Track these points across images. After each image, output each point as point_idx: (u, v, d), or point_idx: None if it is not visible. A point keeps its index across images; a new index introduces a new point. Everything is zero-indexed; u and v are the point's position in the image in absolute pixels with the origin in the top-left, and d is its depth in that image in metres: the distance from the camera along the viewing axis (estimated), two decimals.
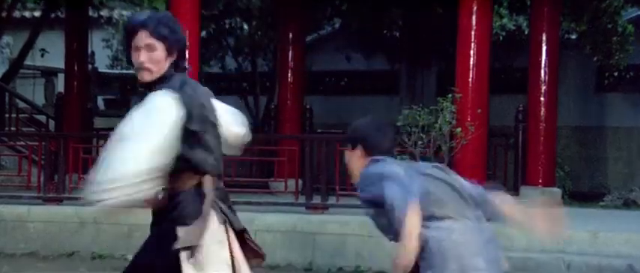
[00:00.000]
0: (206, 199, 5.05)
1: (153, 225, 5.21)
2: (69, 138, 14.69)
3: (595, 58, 16.42)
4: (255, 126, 18.54)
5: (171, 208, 5.04)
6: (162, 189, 4.92)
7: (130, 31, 5.02)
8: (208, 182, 5.09)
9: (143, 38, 4.91)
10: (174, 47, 4.96)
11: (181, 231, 4.95)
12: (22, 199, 13.24)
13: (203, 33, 16.79)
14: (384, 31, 18.26)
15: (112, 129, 16.18)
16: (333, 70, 19.61)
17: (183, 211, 5.04)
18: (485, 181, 12.01)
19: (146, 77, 4.97)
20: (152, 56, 4.91)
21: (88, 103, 18.34)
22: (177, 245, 4.92)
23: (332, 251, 11.31)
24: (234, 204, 13.15)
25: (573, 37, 16.64)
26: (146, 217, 5.01)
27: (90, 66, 19.12)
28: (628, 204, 14.91)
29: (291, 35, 16.46)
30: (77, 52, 17.30)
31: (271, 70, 18.17)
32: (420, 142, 10.58)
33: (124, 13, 20.32)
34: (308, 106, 16.53)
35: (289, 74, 16.35)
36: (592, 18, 15.85)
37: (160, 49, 4.92)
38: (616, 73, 17.07)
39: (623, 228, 11.43)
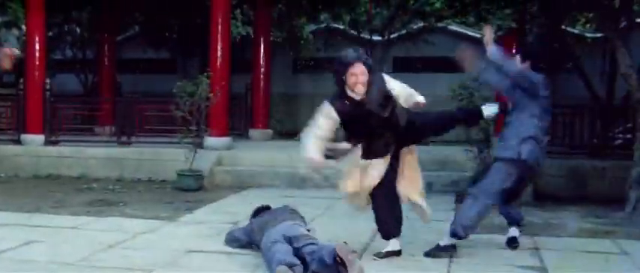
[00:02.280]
0: None
1: None
2: None
3: (291, 53, 17.02)
4: (86, 92, 18.22)
5: None
6: None
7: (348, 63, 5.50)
8: None
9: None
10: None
11: None
12: None
13: (50, 33, 16.24)
14: (167, 33, 18.21)
15: None
16: (135, 57, 19.34)
17: None
18: (227, 127, 12.50)
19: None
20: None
21: None
22: None
23: (133, 169, 11.19)
24: (76, 142, 12.88)
25: (279, 40, 17.14)
26: None
27: None
28: None
29: (106, 35, 16.22)
30: None
31: (95, 57, 17.73)
32: (187, 103, 10.71)
33: None
34: (119, 81, 16.41)
35: (106, 60, 16.13)
36: (288, 29, 16.46)
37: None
38: (304, 62, 17.69)
39: (299, 152, 11.39)
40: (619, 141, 10.44)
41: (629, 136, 9.74)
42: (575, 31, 16.21)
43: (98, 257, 5.68)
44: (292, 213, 5.91)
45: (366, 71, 5.57)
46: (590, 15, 14.87)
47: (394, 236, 5.77)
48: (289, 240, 5.21)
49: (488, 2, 10.17)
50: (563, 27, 14.23)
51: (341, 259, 4.76)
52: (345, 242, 5.02)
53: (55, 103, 12.39)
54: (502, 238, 6.38)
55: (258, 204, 6.38)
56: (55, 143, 12.12)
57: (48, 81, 12.33)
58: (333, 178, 7.93)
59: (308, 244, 5.11)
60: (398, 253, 5.76)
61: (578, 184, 9.71)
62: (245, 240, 5.92)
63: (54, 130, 12.26)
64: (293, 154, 10.97)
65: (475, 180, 7.33)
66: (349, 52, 5.68)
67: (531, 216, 7.92)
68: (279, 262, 4.91)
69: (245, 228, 6.01)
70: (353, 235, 6.30)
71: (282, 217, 5.69)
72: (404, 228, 5.91)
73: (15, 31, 19.10)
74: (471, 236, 6.06)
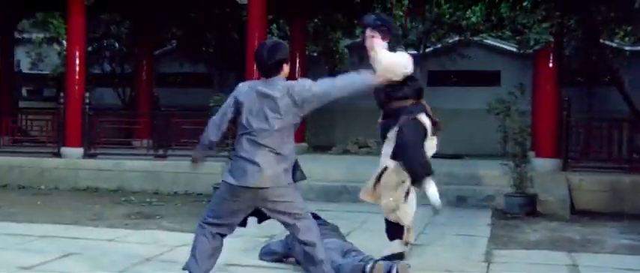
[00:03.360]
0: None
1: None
2: (2, 114, 14.34)
3: (326, 67, 17.04)
4: (124, 106, 18.44)
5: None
6: None
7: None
8: None
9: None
10: None
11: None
12: None
13: (89, 48, 16.51)
14: (203, 48, 18.37)
15: (31, 109, 15.80)
16: (172, 71, 19.54)
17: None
18: None
19: None
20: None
21: (15, 92, 17.75)
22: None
23: (170, 182, 11.28)
24: (114, 155, 13.06)
25: (315, 54, 17.19)
26: None
27: (16, 68, 18.38)
28: (346, 152, 14.88)
29: (144, 50, 16.41)
30: (7, 60, 16.78)
31: (133, 71, 17.95)
32: None
33: (40, 35, 19.65)
34: (156, 94, 16.58)
35: (144, 74, 16.29)
36: (324, 43, 16.50)
37: None
38: None
39: (334, 165, 11.43)
40: None
41: None
42: (614, 44, 15.98)
43: (136, 270, 5.71)
44: (333, 231, 5.90)
45: (373, 34, 5.62)
46: (629, 28, 14.65)
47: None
48: (343, 254, 5.25)
49: (525, 16, 10.08)
50: (601, 40, 14.07)
51: None
52: (408, 265, 5.06)
53: (93, 116, 12.58)
54: (539, 254, 6.29)
55: None
56: (93, 156, 12.29)
57: (87, 95, 12.53)
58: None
59: (362, 259, 5.15)
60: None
61: (616, 199, 9.54)
62: (282, 253, 5.88)
63: (92, 143, 12.44)
64: (328, 168, 11.05)
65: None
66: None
67: (569, 232, 7.82)
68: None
69: (284, 240, 5.96)
70: None
71: (325, 231, 5.62)
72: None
73: (56, 47, 19.50)
74: (507, 252, 5.99)
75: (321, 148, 15.30)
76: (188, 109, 14.56)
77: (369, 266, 4.96)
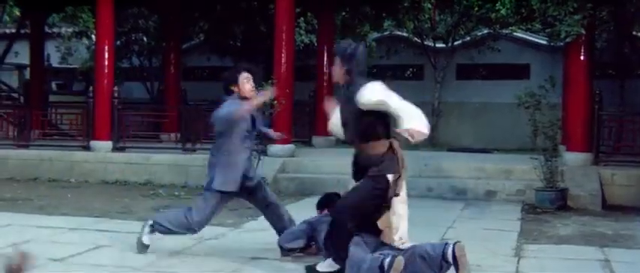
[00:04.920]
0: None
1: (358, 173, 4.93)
2: (32, 108, 14.52)
3: None
4: (152, 100, 18.58)
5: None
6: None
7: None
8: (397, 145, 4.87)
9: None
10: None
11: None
12: (3, 146, 12.94)
13: (118, 42, 16.66)
14: (231, 41, 18.43)
15: (60, 102, 16.01)
16: (200, 65, 19.63)
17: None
18: (291, 133, 12.53)
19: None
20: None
21: (45, 86, 17.98)
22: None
23: (198, 176, 11.37)
24: (142, 149, 13.18)
25: None
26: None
27: (46, 62, 18.60)
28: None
29: (172, 43, 16.48)
30: (38, 54, 17.03)
31: (161, 65, 18.06)
32: None
33: (69, 29, 19.85)
34: (183, 88, 16.68)
35: (172, 68, 16.35)
36: (352, 38, 16.41)
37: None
38: (367, 69, 17.51)
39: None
40: None
41: None
42: None
43: (165, 263, 5.77)
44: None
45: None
46: None
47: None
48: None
49: (556, 8, 9.97)
50: (633, 32, 13.88)
51: (456, 257, 4.66)
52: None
53: (122, 110, 12.69)
54: (570, 249, 6.24)
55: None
56: (122, 150, 12.41)
57: (116, 89, 12.65)
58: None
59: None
60: None
61: None
62: (306, 237, 5.80)
63: (121, 137, 12.56)
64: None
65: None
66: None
67: (600, 227, 7.75)
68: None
69: (310, 221, 5.86)
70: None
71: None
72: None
73: (85, 41, 19.69)
74: (537, 247, 5.91)
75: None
76: (216, 102, 14.60)
77: (388, 260, 4.84)
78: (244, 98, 5.95)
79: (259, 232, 7.09)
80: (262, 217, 6.32)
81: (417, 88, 15.76)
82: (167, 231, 6.02)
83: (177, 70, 16.45)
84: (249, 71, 6.10)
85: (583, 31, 10.10)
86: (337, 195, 5.88)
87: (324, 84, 14.62)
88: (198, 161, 11.47)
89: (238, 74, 6.04)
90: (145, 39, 19.46)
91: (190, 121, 12.49)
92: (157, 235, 6.05)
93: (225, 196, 5.96)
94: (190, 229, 5.96)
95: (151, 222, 6.07)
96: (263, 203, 6.16)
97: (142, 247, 6.04)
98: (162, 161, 11.77)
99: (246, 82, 6.00)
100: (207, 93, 17.91)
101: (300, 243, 5.85)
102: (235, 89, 6.04)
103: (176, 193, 10.38)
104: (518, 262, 5.85)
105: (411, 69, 18.07)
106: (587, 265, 5.84)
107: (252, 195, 6.12)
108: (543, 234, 7.28)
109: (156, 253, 6.03)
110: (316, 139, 14.33)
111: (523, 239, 6.88)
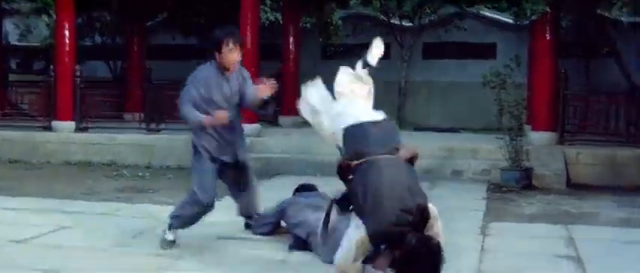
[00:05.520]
0: None
1: None
2: None
3: (321, 39, 16.96)
4: (115, 79, 18.35)
5: None
6: None
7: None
8: None
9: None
10: None
11: None
12: None
13: (79, 20, 16.38)
14: (195, 19, 18.22)
15: (20, 81, 15.65)
16: (164, 44, 19.40)
17: None
18: (256, 113, 12.39)
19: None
20: None
21: (3, 65, 17.63)
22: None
23: (163, 157, 11.25)
24: (106, 129, 12.99)
25: (308, 25, 17.05)
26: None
27: (4, 40, 18.21)
28: None
29: (135, 21, 16.31)
30: None
31: (124, 44, 17.81)
32: None
33: (28, 5, 19.44)
34: (149, 67, 16.48)
35: (135, 46, 16.22)
36: (318, 16, 16.42)
37: None
38: (333, 48, 17.56)
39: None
40: None
41: None
42: (611, 16, 15.95)
43: (129, 243, 5.77)
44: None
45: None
46: None
47: None
48: None
49: None
50: (598, 12, 14.04)
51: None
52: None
53: (85, 90, 12.53)
54: (535, 227, 6.32)
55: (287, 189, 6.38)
56: (85, 130, 12.27)
57: (78, 68, 12.47)
58: None
59: None
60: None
61: (613, 172, 9.59)
62: (273, 223, 5.89)
63: (84, 117, 12.41)
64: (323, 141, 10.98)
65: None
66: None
67: (565, 205, 7.88)
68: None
69: (280, 205, 5.90)
70: None
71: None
72: None
73: (45, 18, 19.33)
74: (503, 225, 5.97)
75: None
76: (181, 81, 14.46)
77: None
78: (224, 69, 5.35)
79: (224, 210, 7.06)
80: (227, 197, 6.25)
81: (384, 67, 15.67)
82: (185, 219, 5.60)
83: (140, 49, 16.28)
84: (234, 36, 5.35)
85: (548, 10, 10.19)
86: (313, 186, 5.96)
87: (290, 63, 14.58)
88: (163, 141, 11.48)
89: (222, 42, 5.28)
90: (107, 16, 19.17)
91: (155, 100, 12.36)
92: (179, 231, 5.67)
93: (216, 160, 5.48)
94: (198, 202, 5.42)
95: (169, 222, 5.63)
96: (243, 185, 5.82)
97: (166, 244, 5.55)
98: (126, 141, 11.67)
99: (229, 52, 5.30)
100: (172, 72, 17.78)
101: (270, 227, 5.92)
102: (216, 57, 5.31)
103: (140, 173, 10.32)
104: (483, 240, 5.93)
105: None
106: (551, 243, 5.92)
107: (238, 173, 5.74)
108: (509, 213, 7.38)
109: (120, 234, 6.00)
110: (283, 119, 14.29)
111: (489, 218, 6.97)
